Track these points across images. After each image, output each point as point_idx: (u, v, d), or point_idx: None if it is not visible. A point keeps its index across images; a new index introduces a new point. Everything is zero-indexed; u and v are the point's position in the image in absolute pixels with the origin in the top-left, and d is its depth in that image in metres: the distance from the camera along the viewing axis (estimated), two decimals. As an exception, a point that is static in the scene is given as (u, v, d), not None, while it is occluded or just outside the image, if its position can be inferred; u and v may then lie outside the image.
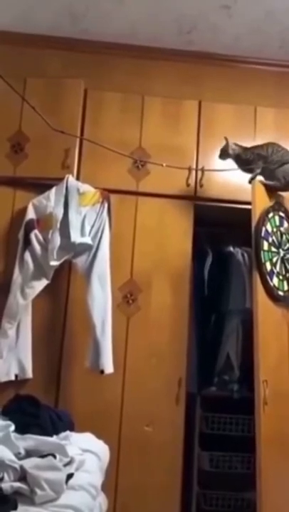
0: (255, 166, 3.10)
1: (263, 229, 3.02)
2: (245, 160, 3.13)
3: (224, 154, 3.16)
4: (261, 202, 3.08)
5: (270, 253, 3.04)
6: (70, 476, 2.03)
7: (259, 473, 2.70)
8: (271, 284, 3.00)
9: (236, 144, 3.16)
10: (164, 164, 3.18)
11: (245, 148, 3.16)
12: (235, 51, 3.65)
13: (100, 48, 3.63)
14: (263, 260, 2.99)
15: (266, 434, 2.75)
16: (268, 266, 3.01)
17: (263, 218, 3.04)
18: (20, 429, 2.30)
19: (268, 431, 2.78)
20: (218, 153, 3.21)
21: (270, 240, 3.06)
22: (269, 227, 3.07)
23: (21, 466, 1.97)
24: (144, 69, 3.62)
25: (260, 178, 3.12)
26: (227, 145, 3.14)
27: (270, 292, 2.99)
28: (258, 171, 3.11)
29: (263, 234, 3.01)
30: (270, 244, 3.05)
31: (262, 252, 2.99)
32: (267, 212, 3.07)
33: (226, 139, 3.13)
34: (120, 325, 3.14)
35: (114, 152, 3.12)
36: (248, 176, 3.13)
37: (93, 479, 2.16)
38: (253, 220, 3.02)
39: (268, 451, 2.76)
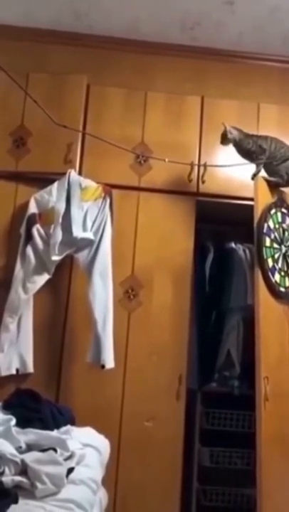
0: (258, 161, 3.09)
1: (265, 225, 3.02)
2: (246, 150, 3.11)
3: (225, 139, 3.12)
4: (264, 198, 3.07)
5: (272, 249, 3.04)
6: (70, 470, 2.04)
7: (259, 470, 2.69)
8: (273, 280, 3.00)
9: (235, 128, 3.11)
10: (166, 159, 3.18)
11: (246, 135, 3.12)
12: (239, 47, 3.65)
13: (102, 43, 3.62)
14: (264, 257, 2.98)
15: (267, 430, 2.75)
16: (270, 262, 3.01)
17: (265, 214, 3.03)
18: (22, 423, 2.30)
19: (269, 428, 2.78)
20: (220, 149, 3.21)
21: (272, 236, 3.06)
22: (271, 224, 3.06)
23: (22, 460, 1.98)
24: (147, 65, 3.62)
25: (262, 174, 3.11)
26: (226, 130, 3.09)
27: (272, 289, 2.99)
28: (261, 167, 3.10)
29: (265, 230, 3.01)
30: (272, 241, 3.05)
31: (264, 249, 2.99)
32: (269, 208, 3.07)
33: (224, 124, 3.09)
34: (121, 320, 3.14)
35: (116, 147, 3.12)
36: (251, 172, 3.12)
37: (94, 474, 2.16)
38: (255, 217, 3.01)
39: (269, 448, 2.76)
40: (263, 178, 3.10)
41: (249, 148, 3.09)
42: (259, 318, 2.86)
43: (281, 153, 3.09)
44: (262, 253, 2.98)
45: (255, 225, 3.01)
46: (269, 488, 2.71)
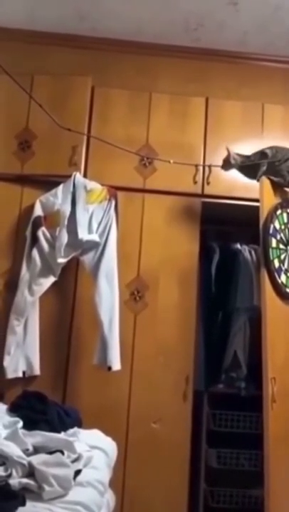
0: (261, 164, 3.08)
1: (271, 226, 3.01)
2: (250, 166, 3.09)
3: (227, 165, 3.13)
4: (269, 199, 3.06)
5: (278, 250, 3.03)
6: (77, 472, 2.03)
7: (267, 471, 2.68)
8: (279, 281, 2.99)
9: (238, 154, 3.13)
10: (171, 161, 3.18)
11: (248, 156, 3.13)
12: (243, 48, 3.65)
13: (107, 45, 3.63)
14: (271, 257, 2.98)
15: (274, 431, 2.74)
16: (276, 263, 3.00)
17: (271, 215, 3.02)
18: (29, 426, 2.30)
19: (276, 428, 2.77)
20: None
21: (278, 237, 3.05)
22: (277, 225, 3.05)
23: (29, 463, 1.97)
24: (151, 66, 3.62)
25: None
26: (229, 155, 3.11)
27: (278, 289, 2.98)
28: (264, 168, 3.09)
29: (271, 231, 3.00)
30: (278, 242, 3.04)
31: (270, 250, 2.98)
32: (275, 209, 3.06)
33: (228, 149, 3.11)
34: (127, 322, 3.14)
35: (121, 149, 3.12)
36: (256, 173, 3.12)
37: (101, 476, 2.16)
38: (261, 218, 3.00)
39: (276, 448, 2.75)
40: (267, 177, 3.09)
41: (252, 161, 3.08)
42: (266, 319, 2.86)
43: (282, 154, 3.08)
44: (268, 254, 2.97)
45: (261, 226, 3.00)
46: (277, 489, 2.70)
